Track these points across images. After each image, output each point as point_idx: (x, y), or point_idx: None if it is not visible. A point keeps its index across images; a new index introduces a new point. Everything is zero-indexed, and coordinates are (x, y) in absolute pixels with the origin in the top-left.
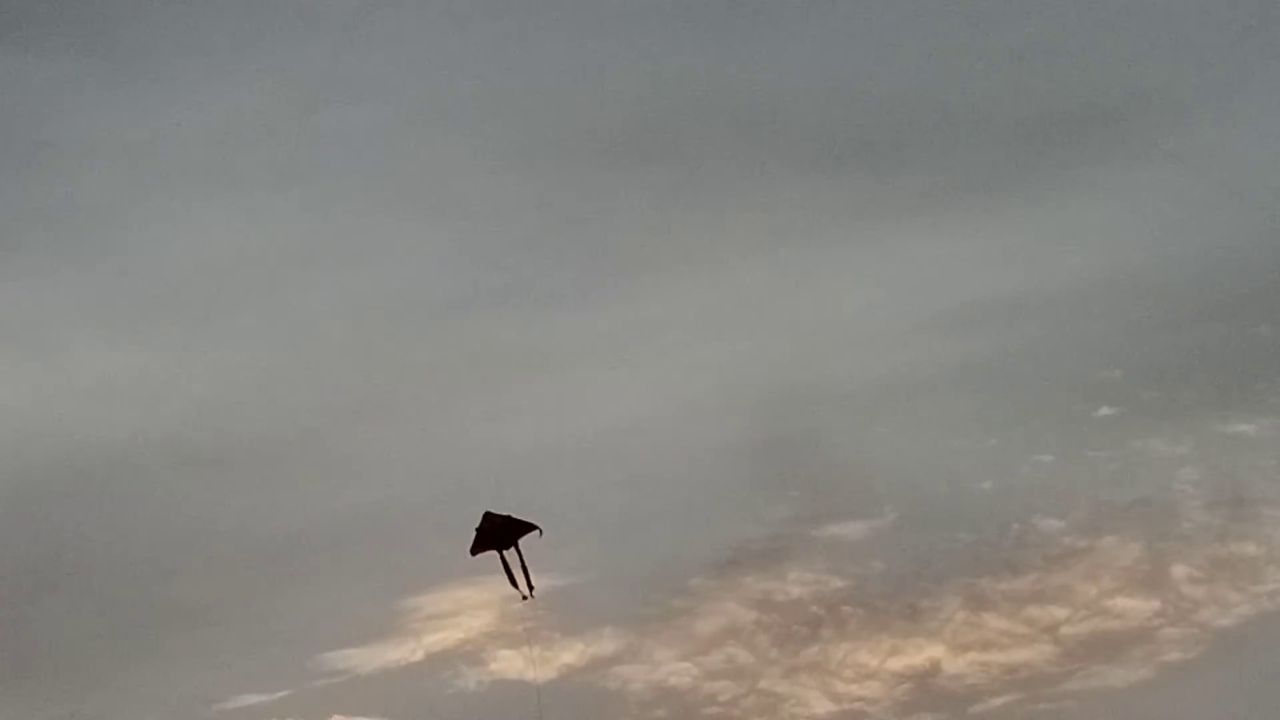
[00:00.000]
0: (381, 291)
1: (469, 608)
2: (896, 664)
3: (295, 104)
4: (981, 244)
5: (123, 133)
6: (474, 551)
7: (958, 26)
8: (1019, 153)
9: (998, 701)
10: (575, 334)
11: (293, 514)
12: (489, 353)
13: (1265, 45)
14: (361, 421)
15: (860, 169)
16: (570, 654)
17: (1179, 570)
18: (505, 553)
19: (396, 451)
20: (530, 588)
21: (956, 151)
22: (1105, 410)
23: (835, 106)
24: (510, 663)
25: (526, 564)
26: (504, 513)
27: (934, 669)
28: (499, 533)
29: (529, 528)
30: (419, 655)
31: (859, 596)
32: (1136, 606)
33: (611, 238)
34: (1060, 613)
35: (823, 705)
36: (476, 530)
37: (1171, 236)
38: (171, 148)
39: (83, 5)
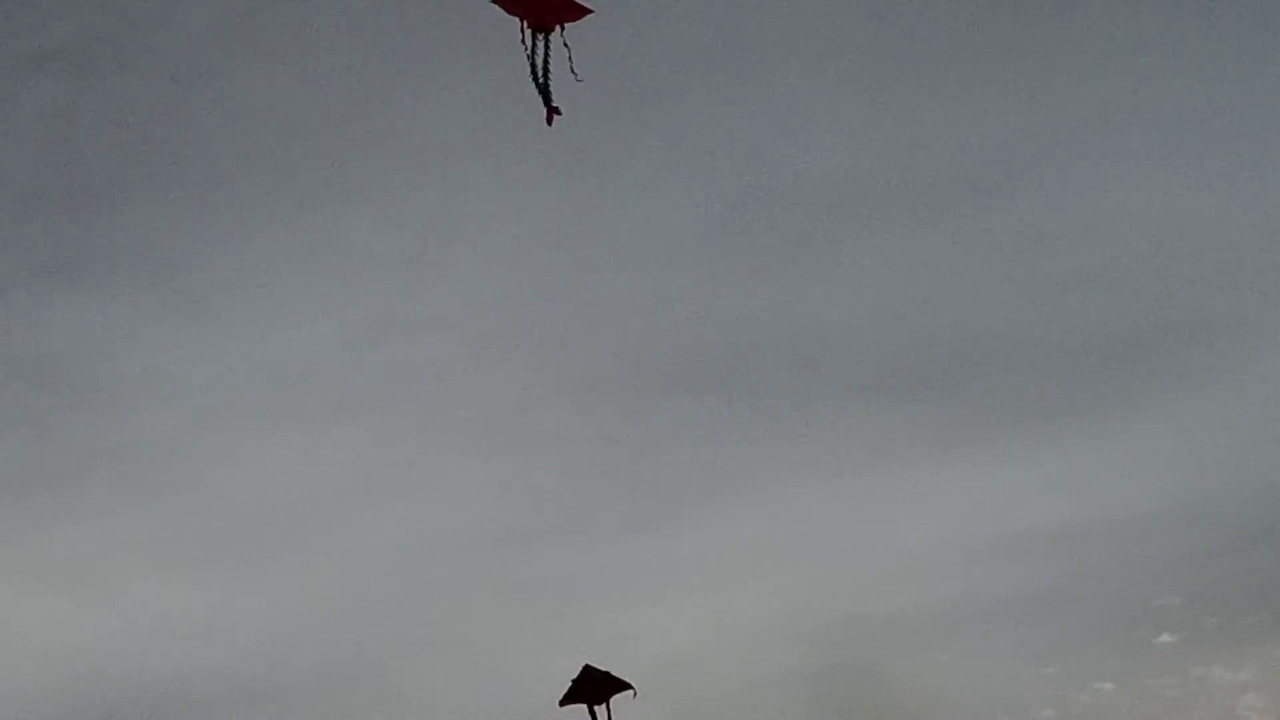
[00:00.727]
0: (440, 525)
1: None
2: None
3: (353, 340)
4: (1036, 471)
5: (182, 371)
6: (564, 703)
7: (1008, 255)
8: (1073, 380)
9: None
10: (634, 565)
11: None
12: (547, 585)
13: None
14: (419, 655)
15: (915, 398)
16: None
17: None
18: (596, 709)
19: (453, 684)
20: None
21: (1010, 379)
22: (1165, 637)
23: (889, 336)
24: None
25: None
26: (604, 669)
27: None
28: (597, 686)
29: (624, 686)
30: None
31: None
32: None
33: (669, 468)
34: None
35: None
36: (572, 681)
37: (1227, 463)
38: (231, 385)
39: (143, 246)
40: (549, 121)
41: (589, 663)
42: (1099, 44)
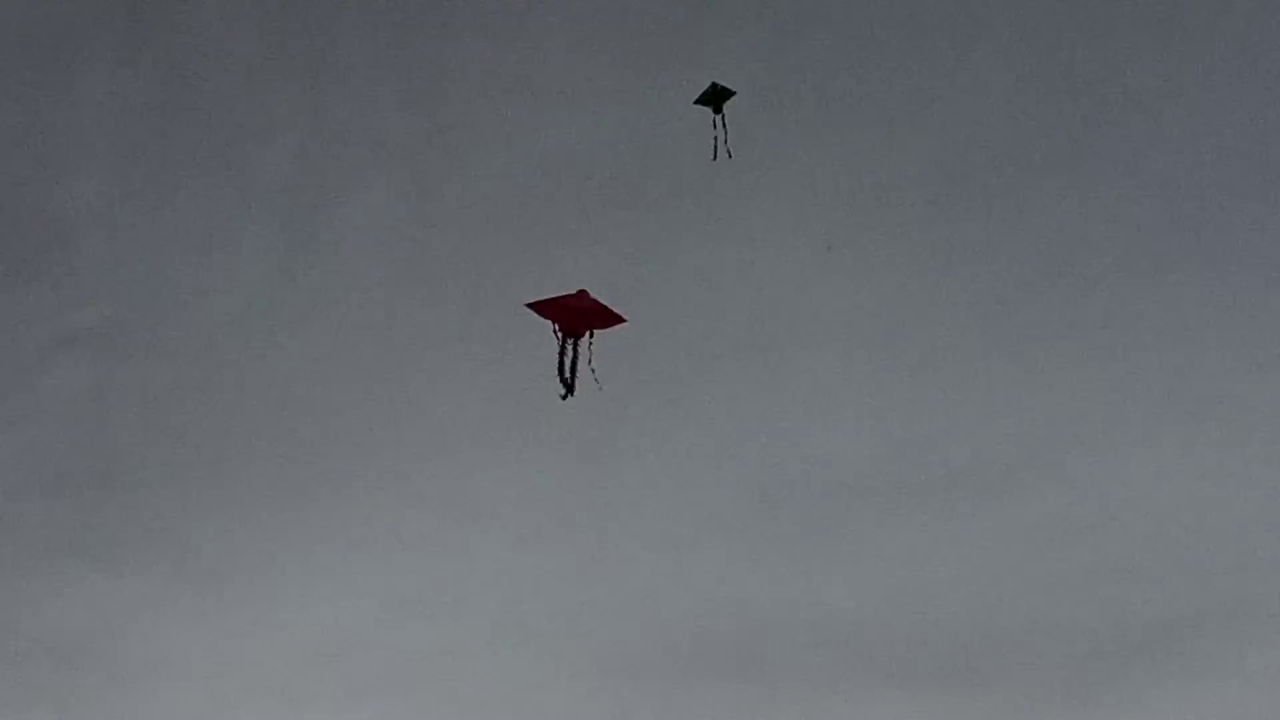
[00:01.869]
0: None
1: None
2: None
3: (374, 622)
4: None
5: (203, 651)
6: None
7: (1030, 544)
8: (1094, 670)
9: None
10: None
11: None
12: None
13: None
14: None
15: (936, 686)
16: None
17: None
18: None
19: None
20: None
21: (1032, 669)
22: None
23: (911, 624)
24: None
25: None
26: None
27: None
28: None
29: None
30: None
31: None
32: None
33: None
34: None
35: None
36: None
37: None
38: (251, 667)
39: (166, 526)
40: (566, 395)
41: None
42: (1121, 327)
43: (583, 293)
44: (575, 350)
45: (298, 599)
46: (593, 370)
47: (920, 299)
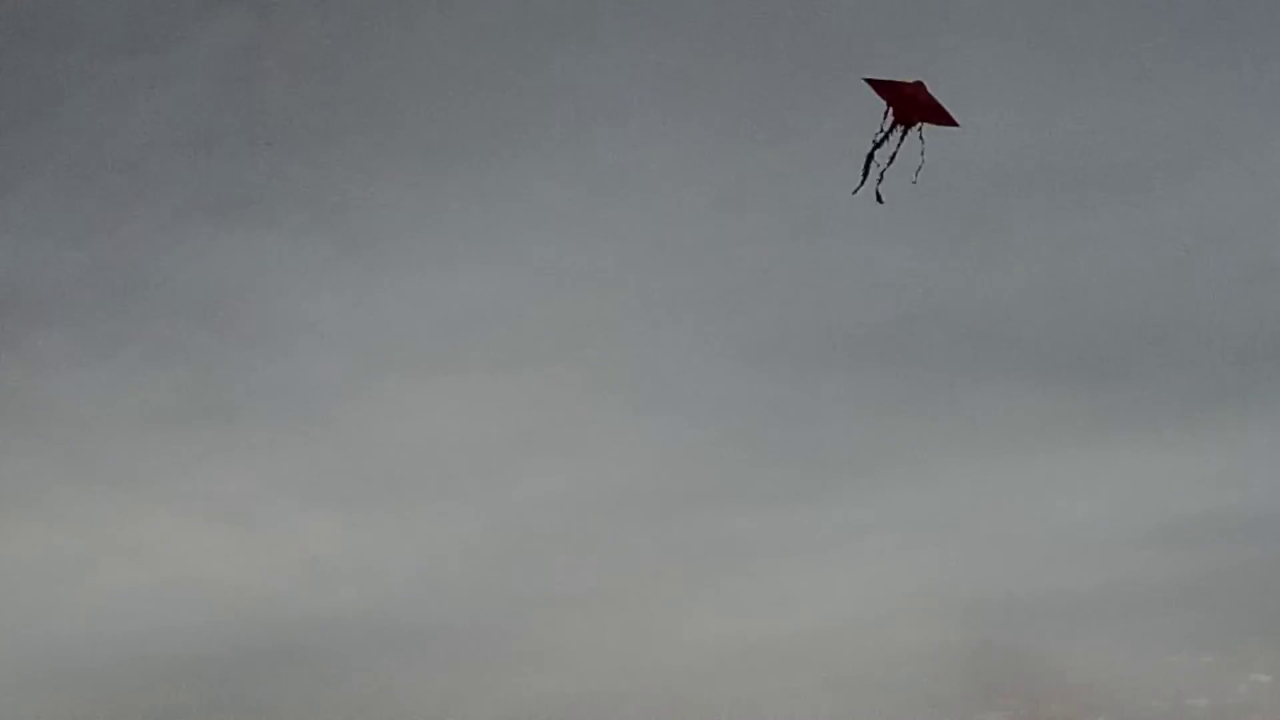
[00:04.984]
0: (595, 481)
1: None
2: None
3: (519, 291)
4: (1200, 459)
5: (348, 315)
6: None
7: (1183, 243)
8: (1240, 370)
9: None
10: (785, 532)
11: (495, 699)
12: (697, 549)
13: None
14: (564, 610)
15: (1081, 381)
16: None
17: None
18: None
19: (598, 643)
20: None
21: (1179, 366)
22: None
23: (1058, 318)
24: None
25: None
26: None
27: None
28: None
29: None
30: None
31: None
32: None
33: (826, 438)
34: None
35: None
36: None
37: None
38: (395, 331)
39: (316, 188)
40: (878, 197)
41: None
42: None
43: (920, 84)
44: (902, 139)
45: (443, 267)
46: (918, 170)
47: None
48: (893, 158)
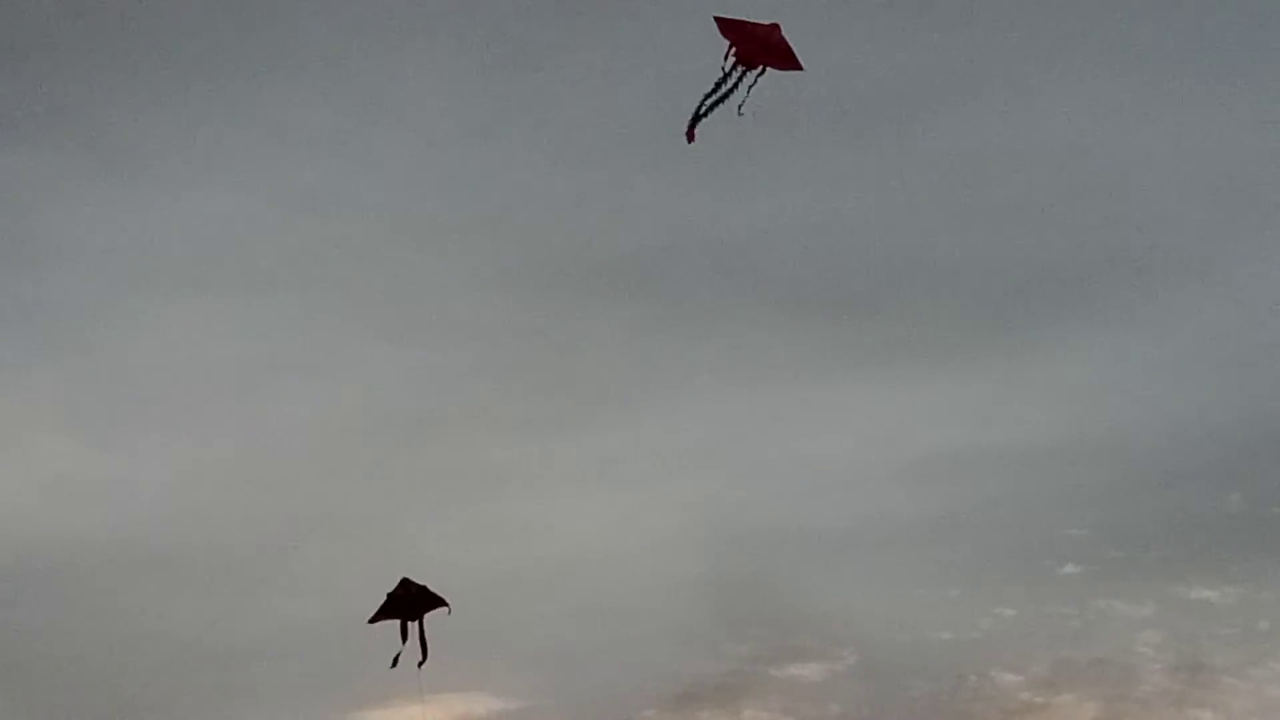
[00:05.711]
0: (349, 406)
1: None
2: None
3: (276, 214)
4: (953, 396)
5: (102, 232)
6: (375, 618)
7: (938, 180)
8: (995, 307)
9: None
10: (539, 461)
11: (244, 623)
12: (453, 474)
13: (1236, 214)
14: (319, 534)
15: (838, 314)
16: None
17: None
18: (409, 624)
19: (353, 567)
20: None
21: (934, 303)
22: (1069, 568)
23: (816, 251)
24: None
25: (427, 639)
26: (421, 583)
27: None
28: (412, 600)
29: (440, 603)
30: None
31: None
32: None
33: (585, 366)
34: None
35: None
36: (388, 595)
37: (1142, 400)
38: (152, 249)
39: (74, 102)
40: (689, 137)
41: (407, 577)
42: None
43: (775, 26)
44: (738, 81)
45: (198, 188)
46: (742, 103)
47: None
48: (725, 97)
